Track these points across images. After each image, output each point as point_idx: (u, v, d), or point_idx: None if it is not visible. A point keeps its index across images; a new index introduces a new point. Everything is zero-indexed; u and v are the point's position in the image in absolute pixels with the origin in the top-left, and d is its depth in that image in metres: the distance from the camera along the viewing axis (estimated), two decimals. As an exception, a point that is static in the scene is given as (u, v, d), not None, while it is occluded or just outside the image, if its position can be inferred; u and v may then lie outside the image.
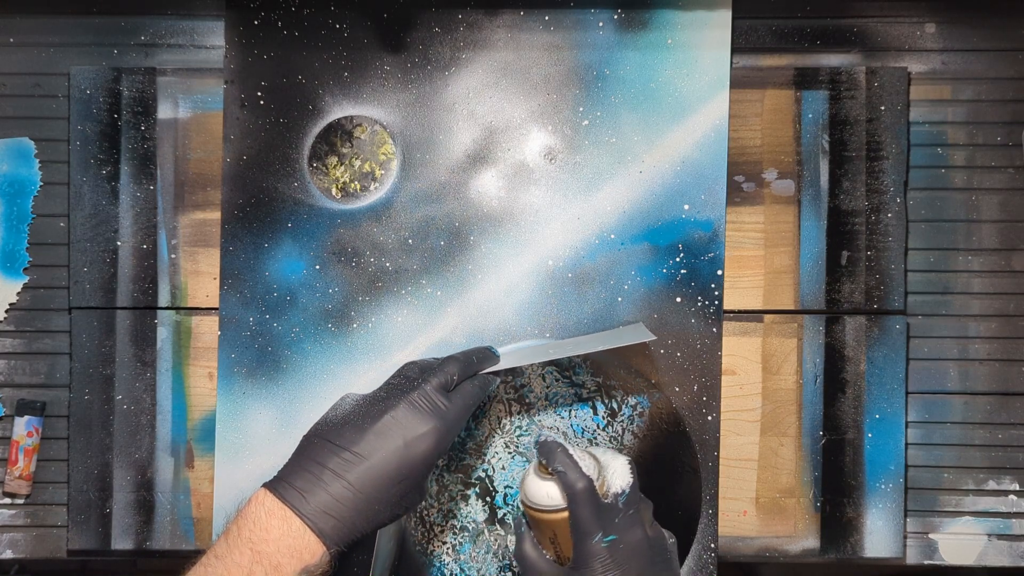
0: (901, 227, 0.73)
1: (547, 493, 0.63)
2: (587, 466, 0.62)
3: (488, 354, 0.67)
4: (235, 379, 0.73)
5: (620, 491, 0.62)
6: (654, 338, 0.70)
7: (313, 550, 0.57)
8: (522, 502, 0.64)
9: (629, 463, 0.64)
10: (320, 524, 0.57)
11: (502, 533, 0.72)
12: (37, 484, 0.74)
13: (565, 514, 0.62)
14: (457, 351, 0.66)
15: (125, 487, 0.73)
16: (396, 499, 0.59)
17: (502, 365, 0.67)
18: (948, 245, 0.74)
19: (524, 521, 0.66)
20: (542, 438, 0.65)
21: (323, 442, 0.60)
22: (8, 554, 0.74)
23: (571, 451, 0.63)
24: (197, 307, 0.74)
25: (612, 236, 0.73)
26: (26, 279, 0.74)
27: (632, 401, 0.72)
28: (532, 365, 0.72)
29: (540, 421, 0.72)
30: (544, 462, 0.63)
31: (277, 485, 0.59)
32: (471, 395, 0.63)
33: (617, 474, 0.63)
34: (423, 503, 0.71)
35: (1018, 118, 0.74)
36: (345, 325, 0.73)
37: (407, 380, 0.63)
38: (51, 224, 0.74)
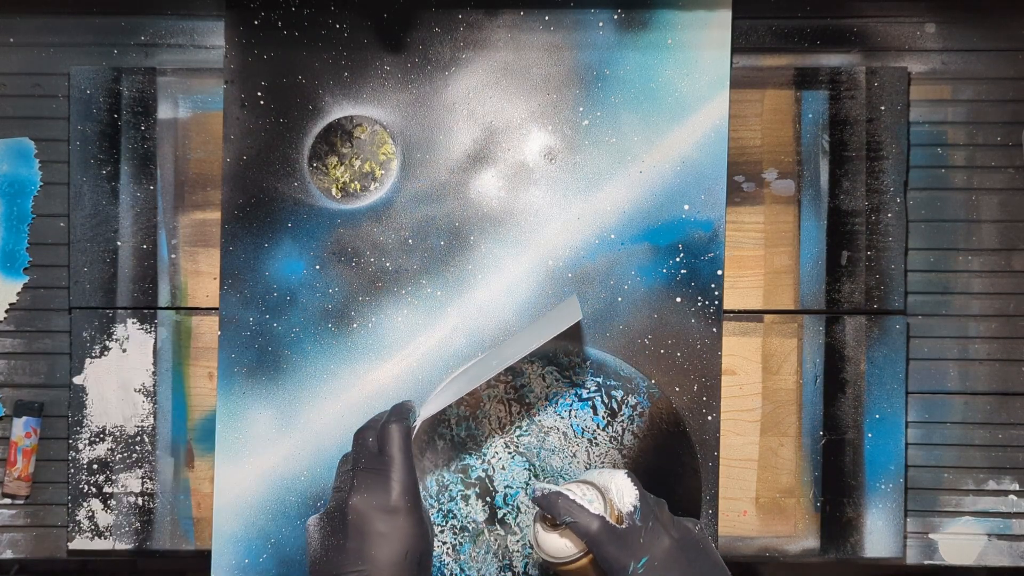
0: (901, 227, 0.73)
1: (564, 544, 0.62)
2: (591, 500, 0.61)
3: (405, 408, 0.67)
4: (235, 379, 0.73)
5: (632, 508, 0.61)
6: (580, 317, 0.69)
7: None
8: (543, 560, 0.64)
9: (628, 475, 0.63)
10: None
11: (502, 533, 0.72)
12: (37, 484, 0.74)
13: (588, 557, 0.61)
14: (370, 418, 0.67)
15: (125, 487, 0.73)
16: (415, 566, 0.61)
17: (449, 399, 0.66)
18: (948, 245, 0.74)
19: (552, 574, 0.65)
20: (537, 493, 0.63)
21: None
22: (8, 554, 0.74)
23: (571, 495, 0.62)
24: (197, 307, 0.74)
25: (612, 236, 0.73)
26: (26, 279, 0.74)
27: (632, 401, 0.72)
28: (532, 366, 0.72)
29: (540, 422, 0.72)
30: (550, 517, 0.62)
31: None
32: (393, 436, 0.63)
33: (622, 492, 0.62)
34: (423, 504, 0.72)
35: (1018, 118, 0.74)
36: (345, 325, 0.73)
37: (345, 474, 0.64)
38: (51, 224, 0.74)
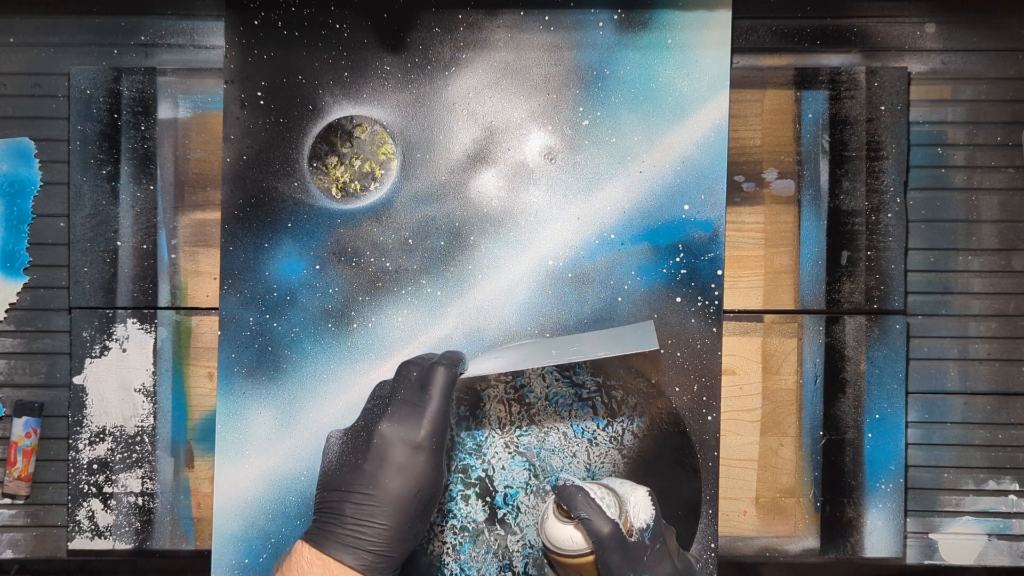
0: (901, 227, 0.73)
1: (570, 537, 0.62)
2: (609, 505, 0.61)
3: (456, 356, 0.66)
4: (235, 379, 0.73)
5: (644, 526, 0.61)
6: (658, 348, 0.69)
7: None
8: (545, 547, 0.64)
9: (649, 494, 0.63)
10: (362, 563, 0.59)
11: (502, 533, 0.72)
12: (37, 484, 0.74)
13: (591, 557, 0.61)
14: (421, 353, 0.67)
15: (125, 487, 0.73)
16: (421, 509, 0.61)
17: (499, 368, 0.66)
18: (948, 245, 0.74)
19: (547, 562, 0.65)
20: (560, 482, 0.63)
21: (333, 492, 0.61)
22: (8, 554, 0.74)
23: (592, 494, 0.62)
24: (197, 307, 0.74)
25: (612, 236, 0.73)
26: (26, 279, 0.74)
27: (632, 401, 0.72)
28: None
29: (540, 422, 0.72)
30: (566, 508, 0.62)
31: (313, 538, 0.60)
32: (440, 378, 0.63)
33: (639, 507, 0.62)
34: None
35: (1018, 118, 0.74)
36: (345, 325, 0.73)
37: (380, 400, 0.65)
38: (51, 224, 0.74)
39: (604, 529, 0.61)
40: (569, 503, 0.62)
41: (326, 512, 0.61)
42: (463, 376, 0.66)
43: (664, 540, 0.62)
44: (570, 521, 0.62)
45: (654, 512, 0.62)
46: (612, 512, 0.61)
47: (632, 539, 0.61)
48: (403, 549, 0.61)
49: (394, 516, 0.60)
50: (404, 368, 0.64)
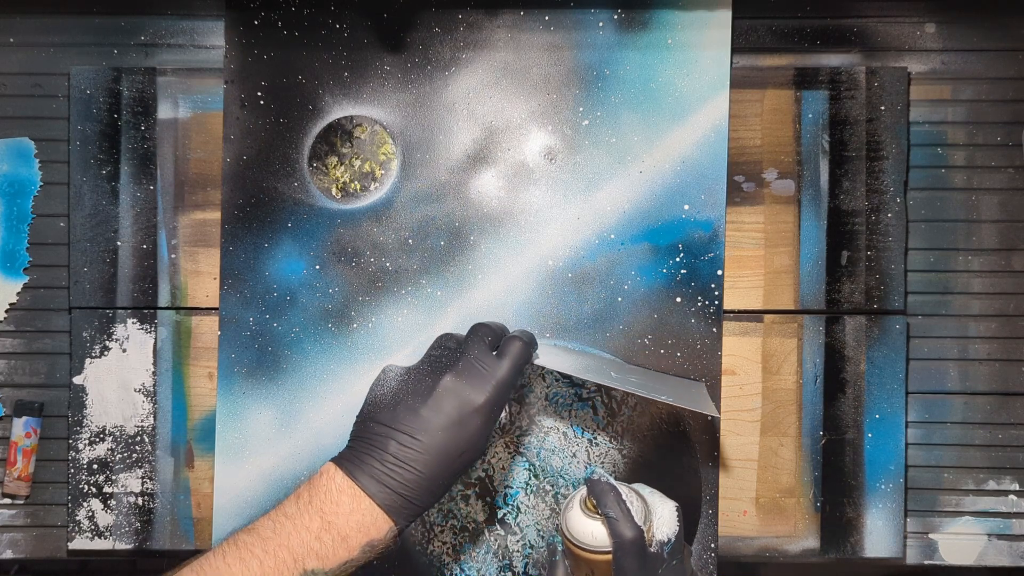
0: (901, 227, 0.73)
1: (592, 532, 0.62)
2: (637, 511, 0.61)
3: (532, 336, 0.66)
4: (235, 379, 0.73)
5: (666, 539, 0.61)
6: (718, 415, 0.70)
7: (380, 527, 0.59)
8: (562, 533, 0.63)
9: (676, 509, 0.63)
10: (389, 504, 0.59)
11: (502, 533, 0.72)
12: (37, 484, 0.74)
13: (608, 556, 0.61)
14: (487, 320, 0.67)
15: (125, 487, 0.73)
16: (459, 469, 0.61)
17: (565, 368, 0.66)
18: (948, 245, 0.74)
19: (560, 549, 0.65)
20: (594, 475, 0.63)
21: (379, 426, 0.61)
22: (8, 554, 0.74)
23: (623, 495, 0.62)
24: (197, 307, 0.74)
25: (612, 236, 0.73)
26: (26, 279, 0.74)
27: (632, 401, 0.72)
28: (531, 365, 0.72)
29: (540, 422, 0.72)
30: (594, 503, 0.62)
31: (346, 464, 0.60)
32: (517, 352, 0.63)
33: (664, 520, 0.62)
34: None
35: (1018, 118, 0.74)
36: (345, 325, 0.73)
37: (448, 351, 0.63)
38: (51, 224, 0.74)
39: (628, 533, 0.60)
40: (600, 499, 0.62)
41: (367, 443, 0.60)
42: (537, 362, 0.66)
43: (682, 558, 0.62)
44: (596, 517, 0.62)
45: (678, 529, 0.62)
46: (639, 518, 0.61)
47: (652, 549, 0.61)
48: (429, 502, 0.60)
49: (434, 467, 0.59)
50: (480, 329, 0.64)
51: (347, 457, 0.60)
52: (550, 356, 0.67)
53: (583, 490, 0.63)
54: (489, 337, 0.63)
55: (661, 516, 0.62)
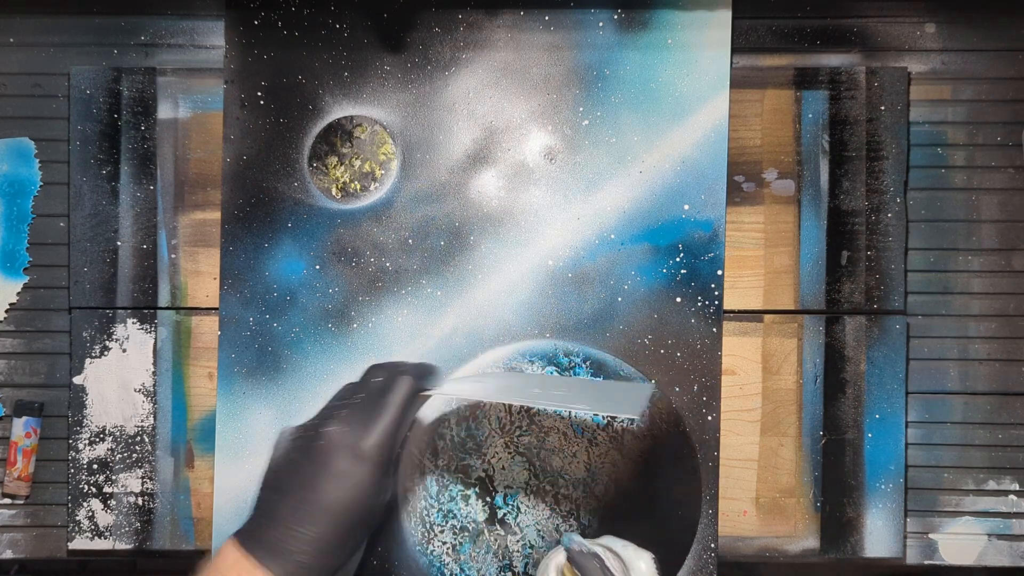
0: (901, 227, 0.73)
1: None
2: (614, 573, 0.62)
3: (428, 369, 0.65)
4: (235, 379, 0.73)
5: None
6: (639, 416, 0.69)
7: None
8: None
9: (654, 560, 0.63)
10: (291, 571, 0.56)
11: (502, 533, 0.72)
12: (37, 484, 0.74)
13: None
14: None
15: (125, 487, 0.73)
16: (356, 520, 0.59)
17: (471, 393, 0.65)
18: (948, 245, 0.74)
19: None
20: (575, 547, 0.63)
21: (269, 492, 0.59)
22: (8, 554, 0.74)
23: (606, 561, 0.62)
24: (197, 307, 0.74)
25: (612, 236, 0.73)
26: (26, 279, 0.74)
27: (632, 401, 0.72)
28: (532, 366, 0.72)
29: (540, 422, 0.72)
30: (576, 572, 0.62)
31: (243, 538, 0.58)
32: (402, 388, 0.61)
33: (642, 574, 0.63)
34: (423, 504, 0.71)
35: (1018, 118, 0.74)
36: (345, 325, 0.73)
37: (339, 404, 0.62)
38: (51, 224, 0.74)
39: None
40: (583, 570, 0.62)
41: (260, 511, 0.59)
42: (427, 393, 0.64)
43: None
44: None
45: None
46: None
47: None
48: (329, 563, 0.57)
49: (325, 524, 0.57)
50: (371, 372, 0.63)
51: (244, 531, 0.59)
52: (457, 385, 0.65)
53: (560, 556, 0.64)
54: (380, 378, 0.62)
55: (638, 570, 0.63)
